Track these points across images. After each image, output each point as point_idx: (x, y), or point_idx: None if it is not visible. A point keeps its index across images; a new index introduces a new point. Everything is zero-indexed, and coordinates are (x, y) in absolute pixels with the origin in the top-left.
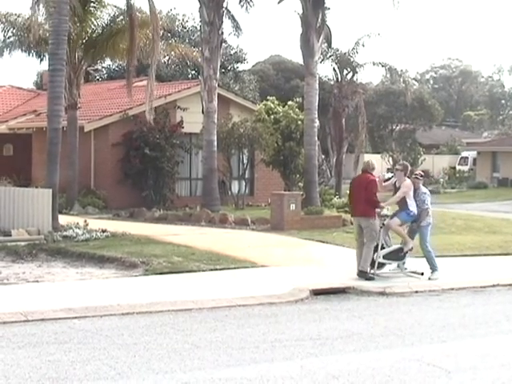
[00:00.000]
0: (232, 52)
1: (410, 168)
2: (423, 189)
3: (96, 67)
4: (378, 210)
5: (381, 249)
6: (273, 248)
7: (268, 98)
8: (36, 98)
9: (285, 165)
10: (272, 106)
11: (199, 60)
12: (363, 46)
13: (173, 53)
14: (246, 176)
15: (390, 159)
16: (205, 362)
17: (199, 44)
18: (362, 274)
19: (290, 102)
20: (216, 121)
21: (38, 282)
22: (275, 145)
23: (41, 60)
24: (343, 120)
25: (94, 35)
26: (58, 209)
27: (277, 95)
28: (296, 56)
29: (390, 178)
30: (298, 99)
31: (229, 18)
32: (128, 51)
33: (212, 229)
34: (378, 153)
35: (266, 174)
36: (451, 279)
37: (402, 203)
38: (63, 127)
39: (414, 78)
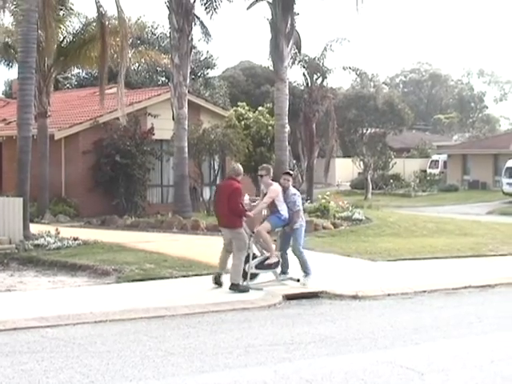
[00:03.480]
0: (202, 58)
1: (272, 169)
2: (293, 190)
3: (66, 75)
4: (244, 218)
5: (252, 258)
6: None
7: (238, 103)
8: (5, 106)
9: (256, 170)
10: (242, 111)
11: (169, 66)
12: (332, 50)
13: (143, 60)
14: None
15: (361, 163)
16: (178, 369)
17: (169, 51)
18: (235, 287)
19: (260, 108)
20: (186, 127)
21: (9, 291)
22: (246, 150)
23: (9, 68)
24: (314, 125)
25: (64, 43)
26: (29, 217)
27: (247, 101)
28: (266, 61)
29: (254, 201)
30: (268, 105)
31: (198, 24)
32: (100, 58)
33: (184, 235)
34: (349, 157)
35: None
36: (423, 281)
37: (273, 208)
38: (33, 135)
39: (383, 82)
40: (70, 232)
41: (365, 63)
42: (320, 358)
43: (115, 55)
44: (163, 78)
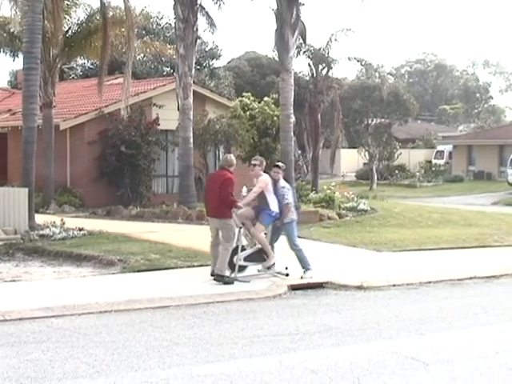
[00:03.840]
0: (207, 49)
1: (264, 162)
2: (283, 182)
3: (71, 65)
4: (234, 209)
5: (241, 250)
6: None
7: (243, 94)
8: (11, 96)
9: None
10: (248, 102)
11: (174, 57)
12: (337, 41)
13: (148, 50)
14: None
15: (367, 154)
16: (183, 359)
17: (174, 41)
18: (220, 278)
19: (265, 98)
20: (192, 117)
21: (15, 281)
22: (251, 141)
23: (14, 58)
24: (319, 115)
25: (70, 33)
26: (35, 208)
27: (252, 91)
28: (271, 52)
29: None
30: (273, 95)
31: (203, 14)
32: (101, 49)
33: (189, 225)
34: (355, 147)
35: (242, 171)
36: (428, 272)
37: (262, 200)
38: (39, 126)
39: (389, 73)
40: (75, 222)
41: (370, 53)
42: (325, 349)
43: (120, 46)
44: (168, 69)
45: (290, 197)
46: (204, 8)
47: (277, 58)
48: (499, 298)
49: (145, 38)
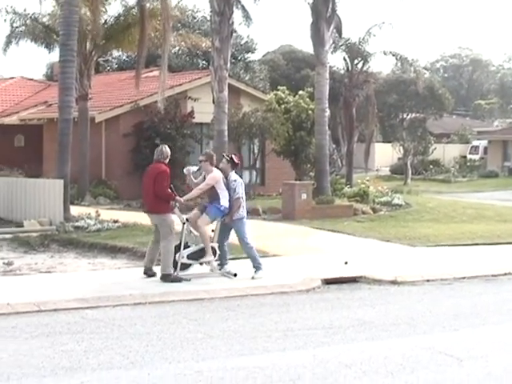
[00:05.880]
0: (242, 42)
1: (214, 156)
2: (234, 176)
3: (106, 58)
4: (174, 203)
5: (184, 248)
6: (284, 237)
7: (278, 87)
8: (47, 89)
9: (296, 154)
10: (282, 95)
11: (209, 50)
12: (374, 35)
13: (183, 43)
14: (257, 166)
15: (401, 148)
16: (217, 351)
17: (209, 34)
18: (166, 277)
19: (300, 92)
20: (227, 111)
21: (50, 272)
22: (286, 134)
23: (50, 51)
24: (354, 109)
25: (106, 26)
26: (70, 199)
27: (287, 85)
28: (306, 46)
29: (199, 169)
30: (308, 89)
31: (239, 8)
32: (138, 42)
33: None
34: (389, 142)
35: (277, 164)
36: (463, 268)
37: (213, 195)
38: (74, 118)
39: (424, 67)
40: (110, 214)
41: (405, 48)
42: (359, 343)
43: (156, 39)
44: (203, 62)
45: (240, 191)
46: (240, 1)
47: (312, 52)
48: None
49: (180, 31)
